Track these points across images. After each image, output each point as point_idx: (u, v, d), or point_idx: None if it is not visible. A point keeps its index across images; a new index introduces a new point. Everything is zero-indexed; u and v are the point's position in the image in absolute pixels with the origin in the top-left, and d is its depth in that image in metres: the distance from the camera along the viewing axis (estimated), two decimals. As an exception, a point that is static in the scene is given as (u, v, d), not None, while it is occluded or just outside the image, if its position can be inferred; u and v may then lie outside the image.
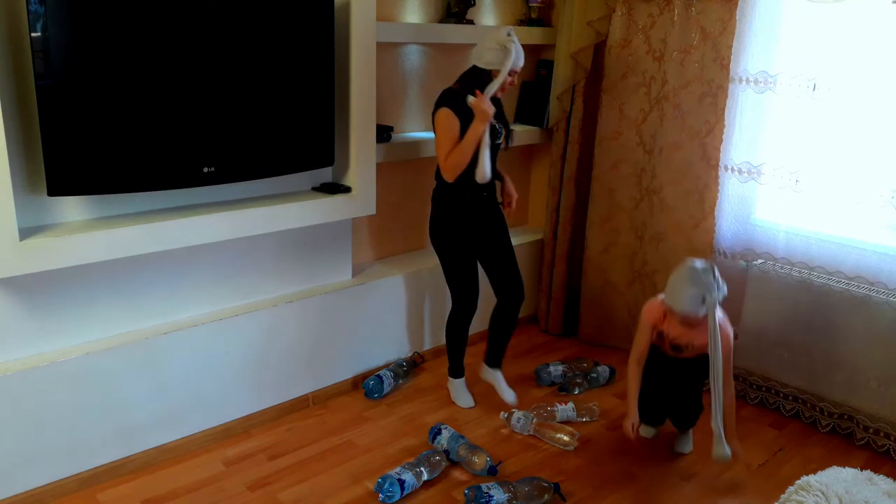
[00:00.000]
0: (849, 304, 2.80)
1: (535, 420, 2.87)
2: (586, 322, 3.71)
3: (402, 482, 2.42)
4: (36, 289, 2.32)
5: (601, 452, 2.77)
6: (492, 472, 2.54)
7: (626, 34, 3.35)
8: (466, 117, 2.65)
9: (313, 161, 2.78)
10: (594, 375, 3.28)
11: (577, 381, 3.24)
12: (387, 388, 3.12)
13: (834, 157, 2.84)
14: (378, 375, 3.12)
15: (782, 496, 2.11)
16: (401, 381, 3.21)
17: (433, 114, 2.72)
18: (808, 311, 2.91)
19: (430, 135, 3.31)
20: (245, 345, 2.78)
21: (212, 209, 2.55)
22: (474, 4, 3.33)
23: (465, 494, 2.40)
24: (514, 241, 3.10)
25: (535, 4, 3.60)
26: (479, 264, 2.97)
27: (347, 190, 2.92)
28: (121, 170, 2.26)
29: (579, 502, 2.48)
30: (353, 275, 3.19)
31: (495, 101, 2.73)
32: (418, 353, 3.40)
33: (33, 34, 1.99)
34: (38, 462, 2.35)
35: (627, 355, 3.57)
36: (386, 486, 2.41)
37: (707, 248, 3.17)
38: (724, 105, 3.03)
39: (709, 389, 2.51)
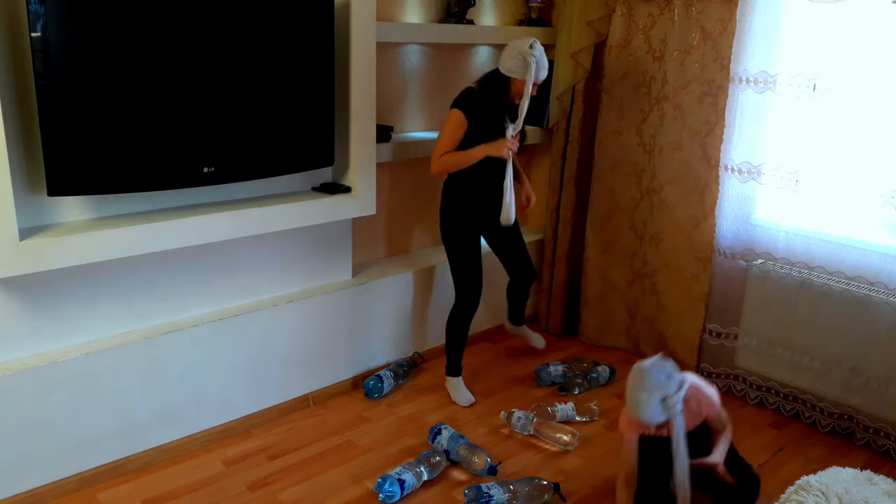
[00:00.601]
0: (849, 304, 2.80)
1: (535, 420, 2.87)
2: (586, 322, 3.71)
3: (402, 482, 2.43)
4: (36, 289, 2.32)
5: (601, 452, 2.77)
6: (492, 472, 2.54)
7: (626, 34, 3.35)
8: (478, 119, 2.70)
9: (313, 161, 2.78)
10: (594, 375, 3.29)
11: (578, 380, 3.24)
12: (387, 388, 3.12)
13: (834, 157, 2.84)
14: (378, 375, 3.12)
15: (782, 496, 2.11)
16: (401, 382, 3.21)
17: (450, 107, 2.78)
18: (808, 311, 2.91)
19: (431, 134, 3.35)
20: (245, 345, 2.78)
21: (212, 209, 2.55)
22: (474, 4, 3.33)
23: (465, 494, 2.40)
24: (514, 241, 3.11)
25: (535, 4, 3.60)
26: (493, 252, 3.18)
27: (347, 190, 2.92)
28: (121, 170, 2.26)
29: (579, 502, 2.48)
30: (353, 275, 3.19)
31: (513, 105, 2.77)
32: (418, 353, 3.40)
33: (33, 34, 1.99)
34: (39, 462, 2.35)
35: (627, 355, 3.61)
36: (386, 486, 2.41)
37: (707, 248, 3.17)
38: (725, 105, 3.03)
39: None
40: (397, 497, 2.42)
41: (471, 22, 3.35)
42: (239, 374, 2.78)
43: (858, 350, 2.80)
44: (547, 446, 2.81)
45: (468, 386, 3.14)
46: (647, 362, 2.18)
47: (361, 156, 2.90)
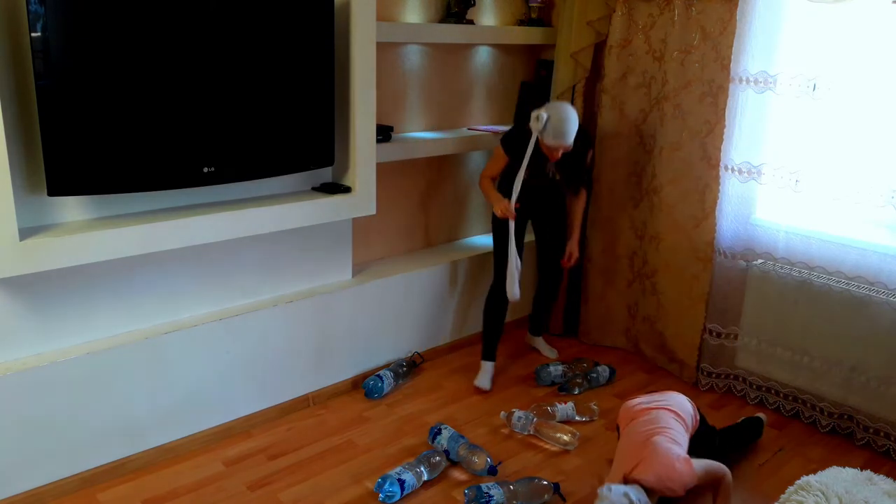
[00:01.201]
0: (849, 304, 2.80)
1: (535, 420, 2.87)
2: (587, 322, 3.71)
3: (402, 482, 2.43)
4: (36, 289, 2.32)
5: (601, 452, 2.77)
6: (492, 471, 2.54)
7: (626, 34, 3.35)
8: (519, 155, 2.95)
9: (313, 161, 2.77)
10: (594, 375, 3.28)
11: (577, 380, 3.24)
12: (387, 388, 3.12)
13: (834, 157, 2.84)
14: (378, 375, 3.12)
15: (782, 496, 2.11)
16: (401, 382, 3.21)
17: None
18: (808, 311, 2.91)
19: (431, 134, 3.37)
20: (245, 344, 2.78)
21: (212, 209, 2.55)
22: (474, 4, 3.33)
23: (465, 494, 2.40)
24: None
25: (535, 4, 3.60)
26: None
27: (347, 190, 2.92)
28: (121, 170, 2.26)
29: (579, 502, 2.48)
30: (353, 275, 3.19)
31: (544, 158, 2.97)
32: (418, 353, 3.39)
33: (33, 34, 1.99)
34: (39, 462, 2.35)
35: (628, 355, 3.61)
36: (386, 486, 2.41)
37: (707, 248, 3.17)
38: (725, 105, 3.03)
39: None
40: (397, 497, 2.42)
41: (471, 22, 3.35)
42: (239, 374, 2.78)
43: (858, 350, 2.79)
44: (547, 446, 2.81)
45: (468, 380, 3.16)
46: (608, 491, 2.11)
47: (361, 156, 2.90)
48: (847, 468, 2.19)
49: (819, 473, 2.16)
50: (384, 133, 3.09)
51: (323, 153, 2.79)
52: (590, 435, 2.89)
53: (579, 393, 3.21)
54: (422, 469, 2.50)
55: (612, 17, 3.36)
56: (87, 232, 2.24)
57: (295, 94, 2.62)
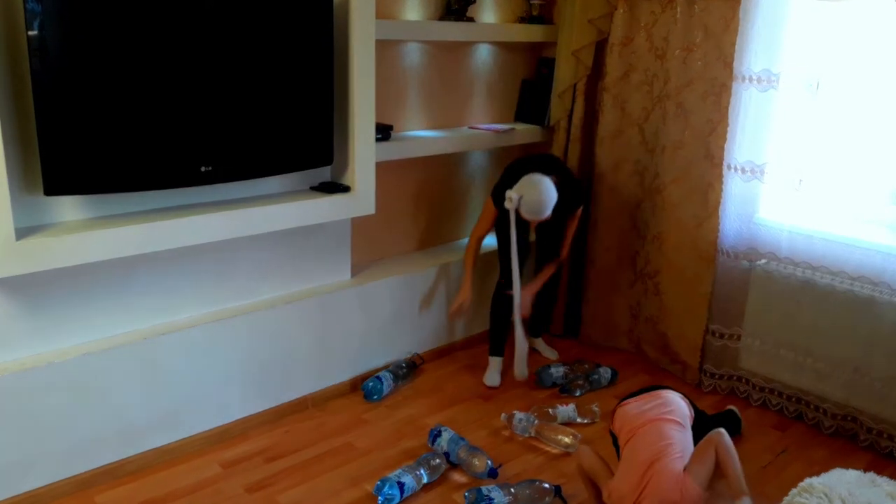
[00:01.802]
0: (852, 304, 2.77)
1: (536, 422, 2.85)
2: (588, 323, 3.69)
3: (401, 485, 2.41)
4: (33, 289, 2.30)
5: (603, 454, 2.74)
6: (492, 474, 2.52)
7: (628, 32, 3.33)
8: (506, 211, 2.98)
9: (312, 160, 2.76)
10: (595, 377, 3.26)
11: (579, 382, 3.22)
12: (386, 390, 3.10)
13: (838, 156, 2.82)
14: (378, 377, 3.10)
15: (785, 498, 2.09)
16: (400, 383, 3.19)
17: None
18: (812, 312, 2.89)
19: (431, 133, 3.36)
20: (243, 346, 2.76)
21: (210, 209, 2.53)
22: (474, 2, 3.31)
23: (466, 497, 2.38)
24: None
25: (535, 2, 3.58)
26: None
27: (346, 189, 2.90)
28: (118, 169, 2.24)
29: (580, 505, 2.47)
30: (353, 275, 3.18)
31: (525, 223, 3.02)
32: (418, 355, 3.37)
33: (30, 32, 1.97)
34: (36, 464, 2.33)
35: (629, 356, 3.59)
36: (385, 488, 2.39)
37: (710, 248, 3.15)
38: (728, 103, 3.01)
39: None
40: (396, 500, 2.40)
41: (471, 19, 3.33)
42: (237, 376, 2.77)
43: (862, 351, 2.77)
44: (548, 448, 2.79)
45: (469, 382, 3.14)
46: None
47: (361, 155, 2.88)
48: (850, 470, 2.17)
49: (822, 475, 2.13)
50: (384, 132, 3.07)
51: (321, 152, 2.77)
52: (591, 437, 2.86)
53: (580, 395, 3.19)
54: (421, 471, 2.49)
55: (613, 15, 3.34)
56: (84, 232, 2.22)
57: (293, 92, 2.60)
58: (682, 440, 2.25)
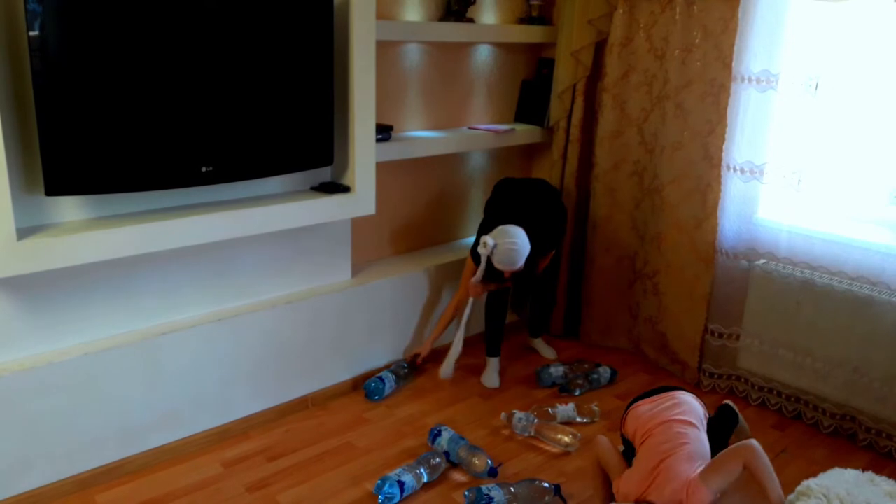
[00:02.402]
0: (851, 304, 2.78)
1: (535, 421, 2.86)
2: (588, 323, 3.69)
3: (401, 484, 2.41)
4: (34, 289, 2.30)
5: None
6: (492, 473, 2.53)
7: (627, 32, 3.33)
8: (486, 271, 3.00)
9: (312, 160, 2.76)
10: (595, 376, 3.27)
11: (578, 381, 3.23)
12: (388, 390, 3.10)
13: (837, 156, 2.83)
14: (379, 377, 3.10)
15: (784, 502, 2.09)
16: (402, 383, 3.19)
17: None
18: (811, 312, 2.89)
19: (431, 133, 3.36)
20: (243, 345, 2.76)
21: (210, 209, 2.53)
22: (474, 2, 3.32)
23: (465, 496, 2.38)
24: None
25: (535, 2, 3.58)
26: None
27: (347, 189, 2.90)
28: (119, 169, 2.25)
29: (580, 504, 2.47)
30: (353, 275, 3.18)
31: (498, 273, 3.00)
32: (418, 354, 3.38)
33: (31, 33, 1.98)
34: (36, 463, 2.34)
35: (629, 356, 3.59)
36: (385, 487, 2.39)
37: (709, 248, 3.15)
38: (727, 104, 3.02)
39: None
40: (397, 499, 2.40)
41: (471, 20, 3.33)
42: (238, 375, 2.77)
43: (861, 351, 2.78)
44: (548, 448, 2.79)
45: (469, 381, 3.14)
46: None
47: (361, 155, 2.89)
48: (849, 469, 2.17)
49: (820, 476, 2.14)
50: (384, 132, 3.07)
51: (322, 152, 2.77)
52: (591, 436, 2.86)
53: (580, 394, 3.20)
54: (421, 471, 2.49)
55: (613, 16, 3.34)
56: (85, 232, 2.23)
57: (294, 92, 2.61)
58: (696, 440, 2.25)
